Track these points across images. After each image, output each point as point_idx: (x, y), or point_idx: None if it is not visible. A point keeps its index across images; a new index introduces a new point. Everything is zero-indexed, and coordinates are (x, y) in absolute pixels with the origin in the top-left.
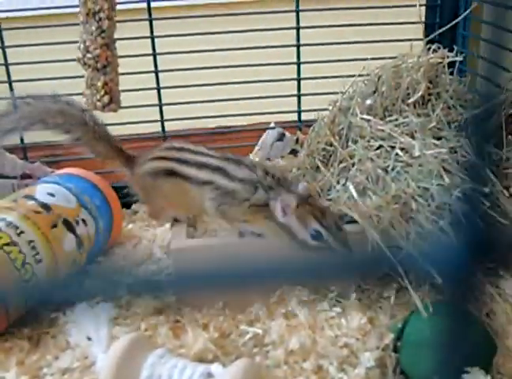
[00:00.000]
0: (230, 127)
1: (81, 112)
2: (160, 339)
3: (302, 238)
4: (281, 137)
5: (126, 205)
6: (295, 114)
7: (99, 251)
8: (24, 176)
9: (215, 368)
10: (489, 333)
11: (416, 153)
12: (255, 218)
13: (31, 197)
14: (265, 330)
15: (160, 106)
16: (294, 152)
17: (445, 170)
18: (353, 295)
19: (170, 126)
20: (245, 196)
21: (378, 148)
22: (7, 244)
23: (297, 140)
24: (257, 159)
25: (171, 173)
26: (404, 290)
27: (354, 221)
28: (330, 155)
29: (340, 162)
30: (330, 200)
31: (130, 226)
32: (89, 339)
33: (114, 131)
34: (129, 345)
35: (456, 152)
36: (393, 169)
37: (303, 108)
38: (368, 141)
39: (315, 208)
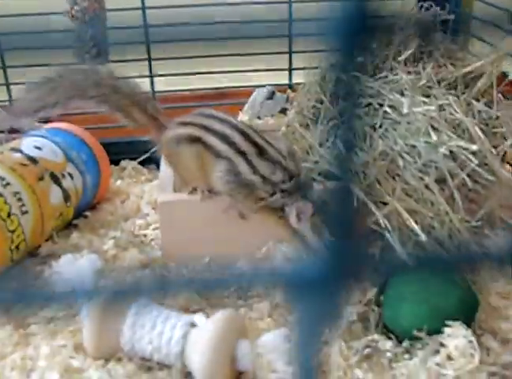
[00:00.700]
0: (221, 88)
1: (116, 80)
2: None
3: (315, 248)
4: (271, 96)
5: (115, 162)
6: (287, 78)
7: (87, 206)
8: (12, 130)
9: (198, 318)
10: (472, 289)
11: (405, 110)
12: (262, 216)
13: (17, 150)
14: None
15: (149, 60)
16: (284, 111)
17: (433, 127)
18: None
19: (160, 85)
20: (262, 195)
21: (366, 106)
22: None
23: (287, 99)
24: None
25: (195, 139)
26: (389, 248)
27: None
28: (320, 113)
29: (330, 119)
30: (317, 162)
31: (119, 182)
32: (73, 289)
33: None
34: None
35: (444, 110)
36: (380, 126)
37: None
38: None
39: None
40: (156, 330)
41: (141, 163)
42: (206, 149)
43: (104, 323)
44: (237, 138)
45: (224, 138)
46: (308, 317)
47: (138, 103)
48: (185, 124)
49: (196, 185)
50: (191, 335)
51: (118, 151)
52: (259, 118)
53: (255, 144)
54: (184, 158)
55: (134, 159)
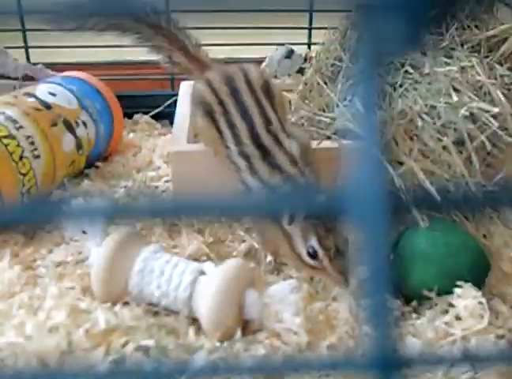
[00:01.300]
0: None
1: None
2: (155, 238)
3: (298, 251)
4: (290, 55)
5: (128, 115)
6: (306, 37)
7: (99, 156)
8: (26, 78)
9: (207, 266)
10: (484, 252)
11: (426, 70)
12: None
13: (31, 95)
14: None
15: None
16: (302, 71)
17: (454, 89)
18: None
19: None
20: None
21: (387, 64)
22: (5, 136)
23: (306, 59)
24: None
25: (211, 116)
26: (401, 209)
27: (357, 137)
28: (339, 71)
29: (349, 78)
30: (334, 118)
31: (131, 135)
32: (84, 232)
33: None
34: (122, 239)
35: (466, 72)
36: (401, 85)
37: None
38: None
39: (323, 225)
40: (165, 276)
41: (155, 118)
42: (219, 135)
43: (113, 267)
44: (245, 137)
45: (234, 129)
46: None
47: (179, 43)
48: (212, 88)
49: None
50: (199, 282)
51: (132, 105)
52: (276, 77)
53: (261, 146)
54: (200, 125)
55: (148, 113)
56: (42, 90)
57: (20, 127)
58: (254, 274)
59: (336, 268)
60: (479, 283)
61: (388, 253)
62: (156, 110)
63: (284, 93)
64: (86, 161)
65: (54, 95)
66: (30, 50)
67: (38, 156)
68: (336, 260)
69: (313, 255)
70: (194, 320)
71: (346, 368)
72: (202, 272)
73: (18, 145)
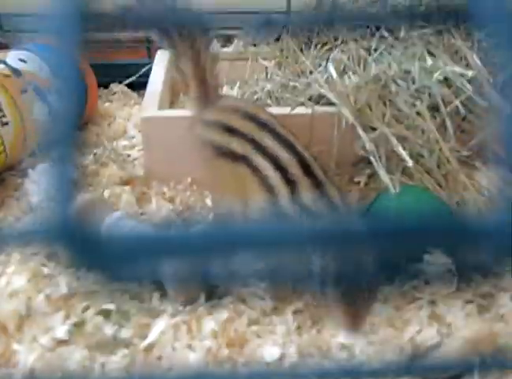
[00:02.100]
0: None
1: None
2: (122, 205)
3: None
4: (267, 22)
5: (104, 85)
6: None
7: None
8: (0, 46)
9: None
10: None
11: (402, 34)
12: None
13: (1, 61)
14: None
15: None
16: (280, 39)
17: (429, 53)
18: None
19: None
20: None
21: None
22: None
23: (283, 27)
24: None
25: (238, 157)
26: (375, 177)
27: (330, 103)
28: (315, 37)
29: (324, 44)
30: (308, 84)
31: (107, 104)
32: (50, 198)
33: None
34: (85, 205)
35: (442, 36)
36: (375, 50)
37: None
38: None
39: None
40: None
41: (132, 87)
42: (252, 172)
43: None
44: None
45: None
46: None
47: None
48: (229, 129)
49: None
50: None
51: (107, 74)
52: (254, 45)
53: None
54: (222, 174)
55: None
56: (12, 56)
57: None
58: None
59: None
60: (450, 250)
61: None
62: (131, 79)
63: (261, 61)
64: None
65: (24, 61)
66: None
67: (6, 123)
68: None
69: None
70: (159, 287)
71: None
72: None
73: None
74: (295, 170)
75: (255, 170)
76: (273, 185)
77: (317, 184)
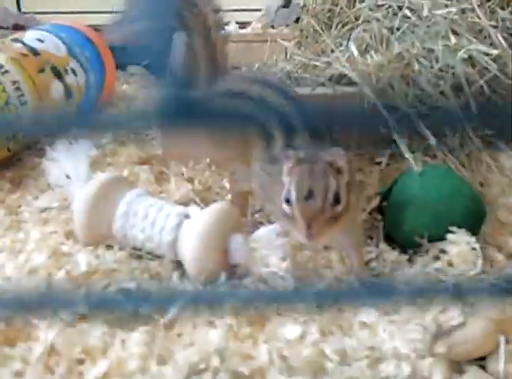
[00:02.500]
0: None
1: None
2: (141, 183)
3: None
4: (287, 3)
5: (122, 67)
6: None
7: (90, 106)
8: (17, 27)
9: (192, 209)
10: (479, 199)
11: (425, 13)
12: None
13: (18, 41)
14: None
15: None
16: (299, 21)
17: (453, 31)
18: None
19: None
20: None
21: (385, 8)
22: None
23: (303, 8)
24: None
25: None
26: (396, 157)
27: (352, 83)
28: (335, 17)
29: (345, 24)
30: (329, 62)
31: (125, 86)
32: (68, 177)
33: None
34: (106, 182)
35: (466, 14)
36: (398, 29)
37: None
38: (376, 1)
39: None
40: (149, 219)
41: (149, 69)
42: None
43: (95, 210)
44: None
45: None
46: None
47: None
48: (237, 94)
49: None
50: (184, 225)
51: (126, 56)
52: (273, 27)
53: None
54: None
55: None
56: (29, 36)
57: (6, 71)
58: (239, 218)
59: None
60: (473, 230)
61: None
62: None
63: (280, 41)
64: (77, 111)
65: (42, 41)
66: None
67: (25, 103)
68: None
69: (287, 202)
70: (179, 266)
71: None
72: (187, 216)
73: (4, 90)
74: (296, 122)
75: (261, 125)
76: (273, 135)
77: (316, 135)
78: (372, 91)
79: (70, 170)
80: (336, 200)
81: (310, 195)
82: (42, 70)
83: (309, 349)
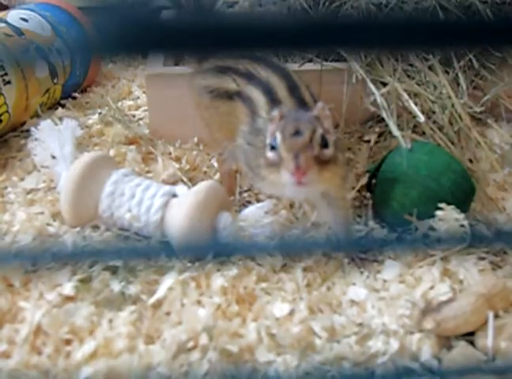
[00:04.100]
0: None
1: None
2: (128, 163)
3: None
4: None
5: None
6: None
7: (76, 87)
8: (0, 7)
9: (180, 188)
10: (468, 175)
11: None
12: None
13: (2, 20)
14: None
15: None
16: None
17: (441, 7)
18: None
19: None
20: None
21: None
22: None
23: None
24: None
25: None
26: (385, 135)
27: (339, 59)
28: None
29: (333, 1)
30: None
31: (110, 66)
32: (54, 157)
33: None
34: (91, 162)
35: None
36: (386, 6)
37: None
38: None
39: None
40: (136, 199)
41: None
42: (244, 103)
43: (81, 189)
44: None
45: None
46: None
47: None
48: (224, 69)
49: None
50: (171, 204)
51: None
52: (260, 5)
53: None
54: (216, 114)
55: None
56: (13, 16)
57: None
58: (227, 197)
59: (294, 148)
60: (462, 207)
61: None
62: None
63: None
64: (62, 91)
65: (26, 20)
66: None
67: (9, 82)
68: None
69: (273, 146)
70: (167, 244)
71: None
72: (174, 195)
73: None
74: (282, 92)
75: (247, 100)
76: (259, 107)
77: (301, 104)
78: (361, 67)
79: (56, 150)
80: (324, 143)
81: (296, 133)
82: (26, 50)
83: (297, 326)
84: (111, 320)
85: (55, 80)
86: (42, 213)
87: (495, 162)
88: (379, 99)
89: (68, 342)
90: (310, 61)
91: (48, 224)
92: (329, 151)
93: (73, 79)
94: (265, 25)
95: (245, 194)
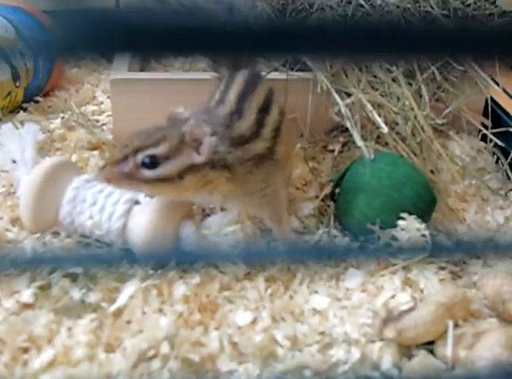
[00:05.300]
0: None
1: None
2: (91, 169)
3: None
4: None
5: None
6: None
7: (38, 90)
8: None
9: (143, 196)
10: (429, 186)
11: (378, 1)
12: None
13: None
14: None
15: None
16: (253, 6)
17: (405, 20)
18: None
19: None
20: None
21: None
22: None
23: None
24: None
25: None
26: (349, 145)
27: (305, 69)
28: (290, 4)
29: (300, 11)
30: None
31: (75, 70)
32: (14, 161)
33: None
34: (53, 167)
35: (418, 2)
36: (352, 16)
37: None
38: None
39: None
40: (97, 205)
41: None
42: None
43: (42, 195)
44: None
45: None
46: None
47: None
48: None
49: None
50: (134, 211)
51: None
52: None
53: None
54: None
55: None
56: None
57: None
58: (191, 205)
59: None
60: (424, 217)
61: None
62: None
63: None
64: (25, 94)
65: None
66: None
67: None
68: None
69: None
70: (129, 252)
71: None
72: (137, 202)
73: None
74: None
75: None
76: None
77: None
78: (326, 77)
79: (17, 154)
80: (151, 164)
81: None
82: None
83: (260, 335)
84: (70, 329)
85: (17, 84)
86: (1, 218)
87: (456, 173)
88: (344, 110)
89: (25, 350)
90: (276, 70)
91: (7, 230)
92: (152, 173)
93: (35, 82)
94: (227, 28)
95: None
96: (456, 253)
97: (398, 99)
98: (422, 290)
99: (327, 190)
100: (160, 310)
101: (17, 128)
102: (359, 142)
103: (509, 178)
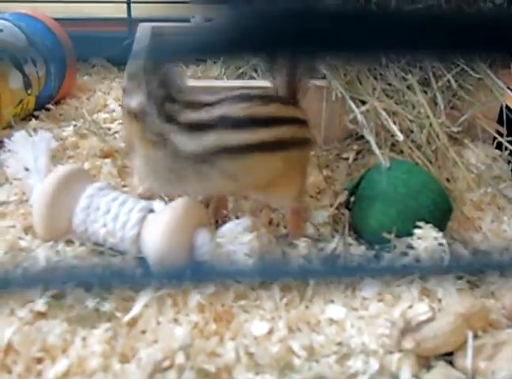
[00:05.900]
0: None
1: None
2: (104, 177)
3: None
4: None
5: (84, 58)
6: None
7: (50, 98)
8: None
9: (157, 204)
10: (445, 194)
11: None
12: None
13: None
14: None
15: None
16: None
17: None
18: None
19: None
20: None
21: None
22: None
23: None
24: None
25: None
26: (363, 152)
27: (321, 76)
28: None
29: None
30: None
31: (86, 78)
32: (27, 169)
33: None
34: (66, 175)
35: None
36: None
37: None
38: None
39: None
40: (111, 213)
41: (110, 61)
42: None
43: (55, 203)
44: None
45: None
46: None
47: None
48: None
49: None
50: (148, 219)
51: (87, 47)
52: None
53: None
54: None
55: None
56: None
57: None
58: (206, 213)
59: None
60: (440, 226)
61: None
62: (112, 53)
63: None
64: (36, 102)
65: (0, 30)
66: None
67: None
68: None
69: None
70: (143, 261)
71: None
72: (151, 210)
73: None
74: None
75: None
76: None
77: None
78: (340, 84)
79: (29, 162)
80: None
81: None
82: (0, 59)
83: (276, 346)
84: (84, 338)
85: (29, 91)
86: (14, 227)
87: (472, 181)
88: (359, 117)
89: (39, 360)
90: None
91: (20, 238)
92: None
93: (47, 91)
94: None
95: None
96: (474, 264)
97: (413, 106)
98: (440, 300)
99: (341, 199)
100: (175, 320)
101: (31, 135)
102: (376, 150)
103: None
